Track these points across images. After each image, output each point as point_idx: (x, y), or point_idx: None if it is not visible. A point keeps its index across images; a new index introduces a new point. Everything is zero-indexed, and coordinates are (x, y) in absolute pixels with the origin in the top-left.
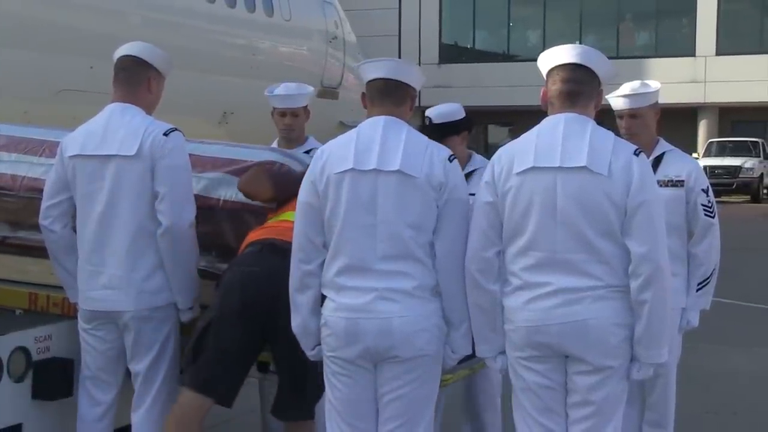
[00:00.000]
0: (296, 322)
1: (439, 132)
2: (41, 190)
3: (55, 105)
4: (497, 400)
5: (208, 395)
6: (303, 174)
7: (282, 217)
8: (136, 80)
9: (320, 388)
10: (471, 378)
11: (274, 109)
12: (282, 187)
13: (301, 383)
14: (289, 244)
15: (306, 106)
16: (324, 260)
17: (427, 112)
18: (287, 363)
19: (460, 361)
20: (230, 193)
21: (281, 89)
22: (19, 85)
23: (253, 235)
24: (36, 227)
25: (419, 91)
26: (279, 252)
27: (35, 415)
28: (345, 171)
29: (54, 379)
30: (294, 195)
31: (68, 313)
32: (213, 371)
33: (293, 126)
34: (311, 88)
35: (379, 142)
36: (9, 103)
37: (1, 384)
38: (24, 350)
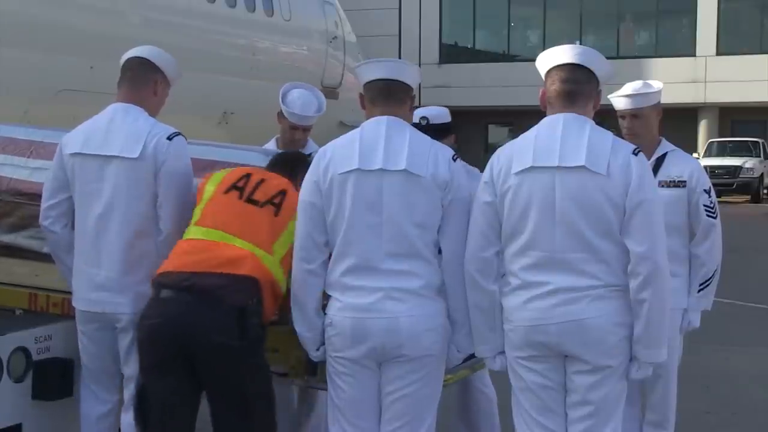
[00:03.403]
0: (301, 323)
1: (436, 132)
2: (27, 194)
3: (55, 105)
4: (494, 407)
5: None
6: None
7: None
8: (143, 82)
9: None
10: (467, 381)
11: (285, 118)
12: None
13: (244, 420)
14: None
15: None
16: (324, 260)
17: (422, 112)
18: (221, 405)
19: (462, 361)
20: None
21: (297, 106)
22: (19, 85)
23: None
24: (21, 229)
25: (419, 91)
26: (184, 290)
27: (35, 415)
28: (350, 171)
29: (54, 379)
30: None
31: (68, 313)
32: (161, 422)
33: (303, 139)
34: (324, 107)
35: (383, 142)
36: (9, 103)
37: (1, 384)
38: (24, 350)
